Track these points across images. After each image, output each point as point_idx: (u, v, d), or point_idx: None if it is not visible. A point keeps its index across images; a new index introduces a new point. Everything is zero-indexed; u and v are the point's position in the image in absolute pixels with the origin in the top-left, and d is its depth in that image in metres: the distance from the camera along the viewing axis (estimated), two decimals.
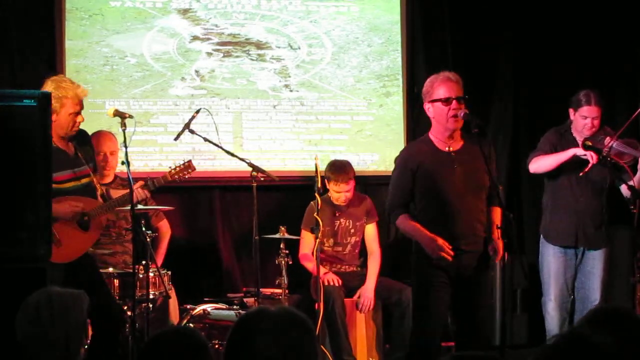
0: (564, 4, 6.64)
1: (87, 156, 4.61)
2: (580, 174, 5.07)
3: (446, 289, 4.37)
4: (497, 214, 4.49)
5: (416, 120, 6.39)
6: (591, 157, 5.00)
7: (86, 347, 4.55)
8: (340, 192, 5.65)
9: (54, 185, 4.33)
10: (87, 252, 4.64)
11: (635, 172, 5.09)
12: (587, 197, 5.20)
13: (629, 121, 5.12)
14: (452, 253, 4.26)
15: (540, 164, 5.22)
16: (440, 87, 4.35)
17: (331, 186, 5.65)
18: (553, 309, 5.26)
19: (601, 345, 1.83)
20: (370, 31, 6.50)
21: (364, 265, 5.74)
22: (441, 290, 4.36)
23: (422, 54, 6.58)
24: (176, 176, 4.89)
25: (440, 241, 4.26)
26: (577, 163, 5.13)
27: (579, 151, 5.07)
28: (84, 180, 4.52)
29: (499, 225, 4.32)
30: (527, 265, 6.16)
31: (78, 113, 4.46)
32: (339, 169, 5.67)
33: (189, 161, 4.93)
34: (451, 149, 4.43)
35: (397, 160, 4.56)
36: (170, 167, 4.93)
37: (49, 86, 4.45)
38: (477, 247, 4.41)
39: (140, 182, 4.78)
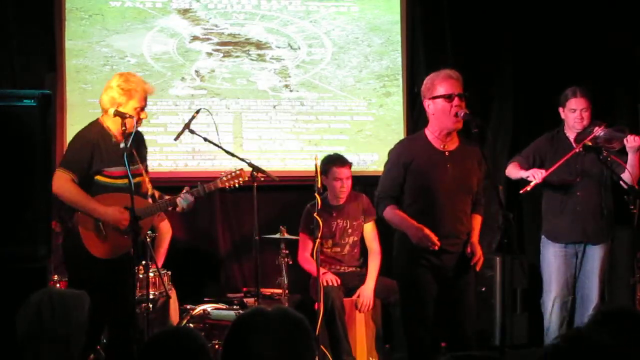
0: (563, 5, 6.64)
1: (141, 156, 4.63)
2: (521, 192, 5.17)
3: (432, 285, 4.37)
4: (477, 221, 4.51)
5: (416, 121, 6.39)
6: (533, 177, 5.08)
7: (98, 347, 4.57)
8: (342, 178, 5.61)
9: (107, 180, 4.45)
10: (129, 254, 4.58)
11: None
12: (584, 192, 5.23)
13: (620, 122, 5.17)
14: (438, 243, 4.27)
15: (509, 172, 5.39)
16: (441, 84, 4.35)
17: (332, 175, 5.61)
18: (553, 307, 5.27)
19: (606, 346, 1.82)
20: (370, 31, 6.50)
21: (363, 265, 5.73)
22: (428, 287, 4.36)
23: (422, 54, 6.58)
24: (227, 184, 4.78)
25: (427, 231, 4.28)
26: (568, 165, 5.19)
27: (523, 174, 5.19)
28: (136, 180, 4.47)
29: (498, 226, 4.32)
30: (527, 265, 6.16)
31: (142, 109, 4.49)
32: (337, 157, 5.71)
33: (241, 170, 4.81)
34: (446, 147, 4.44)
35: (391, 154, 4.57)
36: (222, 173, 4.81)
37: (117, 80, 4.49)
38: (459, 248, 4.42)
39: (186, 188, 4.72)
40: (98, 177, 4.48)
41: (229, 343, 2.07)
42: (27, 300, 2.86)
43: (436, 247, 4.28)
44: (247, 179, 4.81)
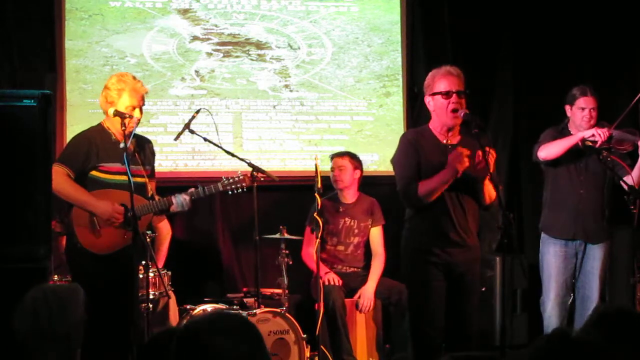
0: (563, 3, 6.65)
1: (145, 160, 4.67)
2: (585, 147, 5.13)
3: (442, 282, 4.34)
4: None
5: (416, 121, 6.39)
6: (599, 135, 5.03)
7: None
8: (333, 168, 5.78)
9: (102, 175, 4.50)
10: (127, 251, 4.54)
11: (636, 159, 5.13)
12: (587, 190, 5.22)
13: (627, 110, 5.16)
14: (468, 152, 4.18)
15: (550, 150, 5.23)
16: (441, 81, 4.34)
17: (331, 165, 5.83)
18: (552, 307, 5.26)
19: (587, 344, 1.81)
20: (370, 31, 6.50)
21: (366, 267, 5.72)
22: (437, 284, 4.33)
23: (422, 54, 6.58)
24: (229, 187, 4.79)
25: (456, 151, 4.20)
26: (576, 156, 5.21)
27: (587, 133, 5.12)
28: (134, 179, 4.41)
29: (498, 226, 4.29)
30: (527, 265, 6.16)
31: (135, 108, 4.54)
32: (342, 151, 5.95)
33: (245, 175, 4.82)
34: (449, 142, 4.43)
35: (402, 139, 4.51)
36: (223, 178, 4.81)
37: (110, 80, 4.59)
38: (468, 242, 4.38)
39: (191, 190, 4.74)
40: (93, 173, 4.52)
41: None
42: (22, 300, 2.84)
43: (466, 159, 4.17)
44: (249, 184, 4.83)
